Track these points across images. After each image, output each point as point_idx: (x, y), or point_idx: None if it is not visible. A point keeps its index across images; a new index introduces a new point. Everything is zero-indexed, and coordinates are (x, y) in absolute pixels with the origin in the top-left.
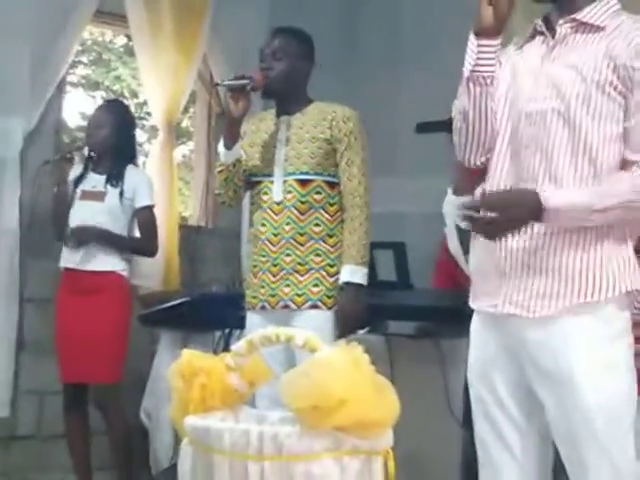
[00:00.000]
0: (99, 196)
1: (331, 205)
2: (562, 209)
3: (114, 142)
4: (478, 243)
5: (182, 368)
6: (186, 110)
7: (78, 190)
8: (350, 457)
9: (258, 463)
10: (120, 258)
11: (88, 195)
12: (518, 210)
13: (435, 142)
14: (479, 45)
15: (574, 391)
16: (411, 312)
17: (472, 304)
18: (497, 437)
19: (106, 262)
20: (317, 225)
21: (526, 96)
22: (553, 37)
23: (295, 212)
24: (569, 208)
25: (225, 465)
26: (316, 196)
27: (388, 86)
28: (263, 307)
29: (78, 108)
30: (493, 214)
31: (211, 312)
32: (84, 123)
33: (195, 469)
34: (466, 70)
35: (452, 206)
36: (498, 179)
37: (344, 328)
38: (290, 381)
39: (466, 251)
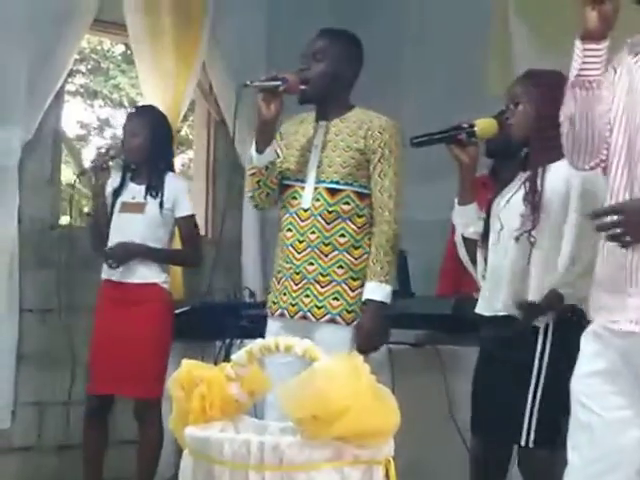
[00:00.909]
0: (139, 207)
1: (359, 217)
2: None
3: (151, 150)
4: (603, 258)
5: (182, 378)
6: (185, 118)
7: (118, 202)
8: (351, 467)
9: (259, 473)
10: (161, 270)
11: (128, 207)
12: None
13: (435, 150)
14: (584, 49)
15: None
16: (412, 320)
17: (591, 316)
18: (595, 446)
19: (147, 274)
20: (342, 236)
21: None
22: None
23: (321, 221)
24: None
25: (226, 475)
26: (344, 206)
27: (390, 93)
28: (282, 314)
29: (77, 117)
30: (620, 218)
31: (212, 322)
32: (83, 132)
33: None
34: (572, 75)
35: (458, 216)
36: (616, 192)
37: (362, 346)
38: (290, 391)
39: (473, 261)
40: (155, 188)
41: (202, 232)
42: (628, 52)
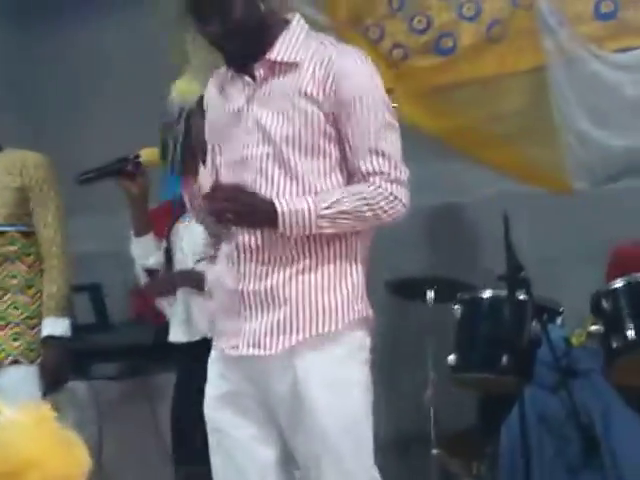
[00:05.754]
0: None
1: (27, 255)
2: (292, 212)
3: None
4: (215, 284)
5: None
6: None
7: None
8: None
9: None
10: None
11: None
12: (253, 202)
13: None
14: None
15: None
16: (113, 353)
17: (215, 341)
18: (230, 465)
19: None
20: (14, 277)
21: (237, 142)
22: (254, 80)
23: None
24: (297, 212)
25: None
26: (11, 247)
27: (74, 126)
28: None
29: None
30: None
31: None
32: None
33: None
34: None
35: (136, 248)
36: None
37: (49, 384)
38: None
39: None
40: None
41: None
42: (213, 83)
